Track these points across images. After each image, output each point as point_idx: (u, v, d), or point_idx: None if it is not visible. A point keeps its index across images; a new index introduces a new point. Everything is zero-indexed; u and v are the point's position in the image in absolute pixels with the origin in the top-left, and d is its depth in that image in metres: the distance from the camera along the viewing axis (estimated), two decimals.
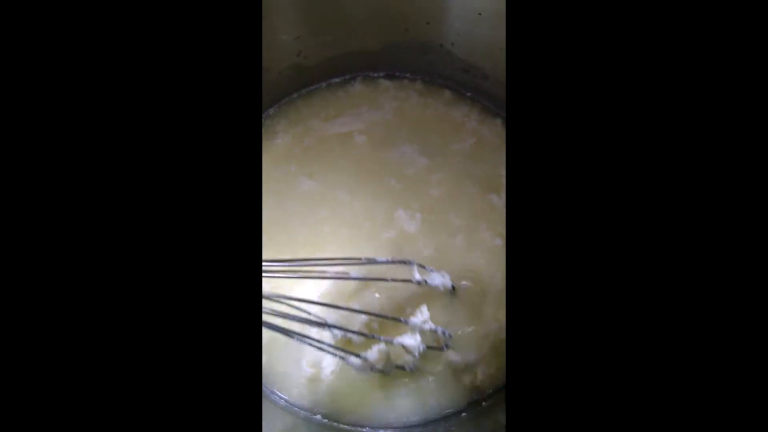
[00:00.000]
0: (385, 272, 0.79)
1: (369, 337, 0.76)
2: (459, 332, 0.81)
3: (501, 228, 0.86)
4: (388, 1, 0.84)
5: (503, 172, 0.89)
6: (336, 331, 0.76)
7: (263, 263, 0.67)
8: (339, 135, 0.92)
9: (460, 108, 0.94)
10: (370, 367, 0.75)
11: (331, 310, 0.75)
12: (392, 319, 0.78)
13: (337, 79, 0.95)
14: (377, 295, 0.82)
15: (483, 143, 0.92)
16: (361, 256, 0.78)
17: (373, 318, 0.79)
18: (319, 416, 0.82)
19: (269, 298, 0.70)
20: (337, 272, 0.78)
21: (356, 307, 0.79)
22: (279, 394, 0.83)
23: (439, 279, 0.79)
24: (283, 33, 0.84)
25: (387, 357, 0.75)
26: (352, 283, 0.81)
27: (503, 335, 0.80)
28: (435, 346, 0.79)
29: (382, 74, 0.96)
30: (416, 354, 0.75)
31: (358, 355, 0.75)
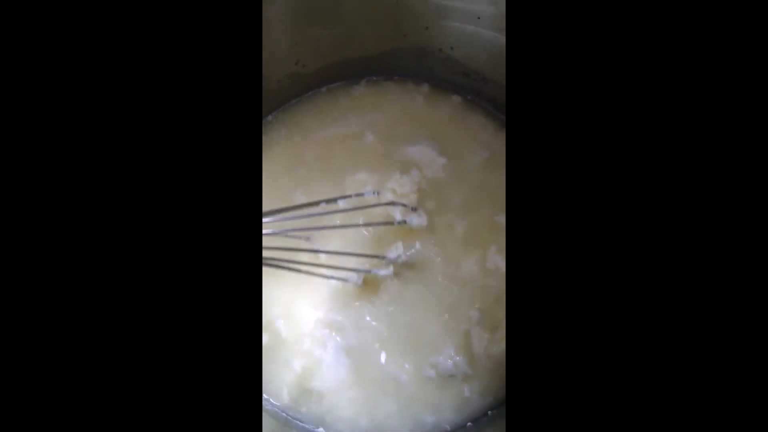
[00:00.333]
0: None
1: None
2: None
3: None
4: (387, 6, 0.83)
5: None
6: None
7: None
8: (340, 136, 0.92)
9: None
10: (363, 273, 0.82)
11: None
12: (371, 257, 0.82)
13: (335, 85, 0.95)
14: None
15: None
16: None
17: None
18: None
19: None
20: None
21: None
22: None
23: (417, 221, 0.84)
24: (281, 38, 0.83)
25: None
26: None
27: None
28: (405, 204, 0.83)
29: (382, 78, 0.95)
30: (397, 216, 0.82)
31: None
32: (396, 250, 0.83)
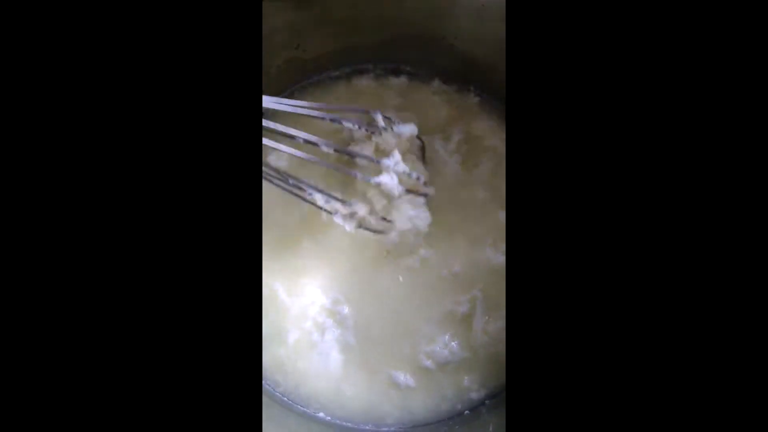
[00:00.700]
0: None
1: (347, 173, 0.77)
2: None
3: None
4: None
5: None
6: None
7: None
8: None
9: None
10: (355, 219, 0.77)
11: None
12: (365, 157, 0.77)
13: (337, 72, 0.94)
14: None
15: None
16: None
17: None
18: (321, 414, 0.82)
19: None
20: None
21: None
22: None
23: (407, 128, 0.78)
24: (281, 25, 0.83)
25: (371, 207, 0.78)
26: None
27: None
28: (413, 190, 0.79)
29: (384, 67, 0.94)
30: (396, 193, 0.75)
31: (343, 203, 0.76)
32: (392, 158, 0.75)
